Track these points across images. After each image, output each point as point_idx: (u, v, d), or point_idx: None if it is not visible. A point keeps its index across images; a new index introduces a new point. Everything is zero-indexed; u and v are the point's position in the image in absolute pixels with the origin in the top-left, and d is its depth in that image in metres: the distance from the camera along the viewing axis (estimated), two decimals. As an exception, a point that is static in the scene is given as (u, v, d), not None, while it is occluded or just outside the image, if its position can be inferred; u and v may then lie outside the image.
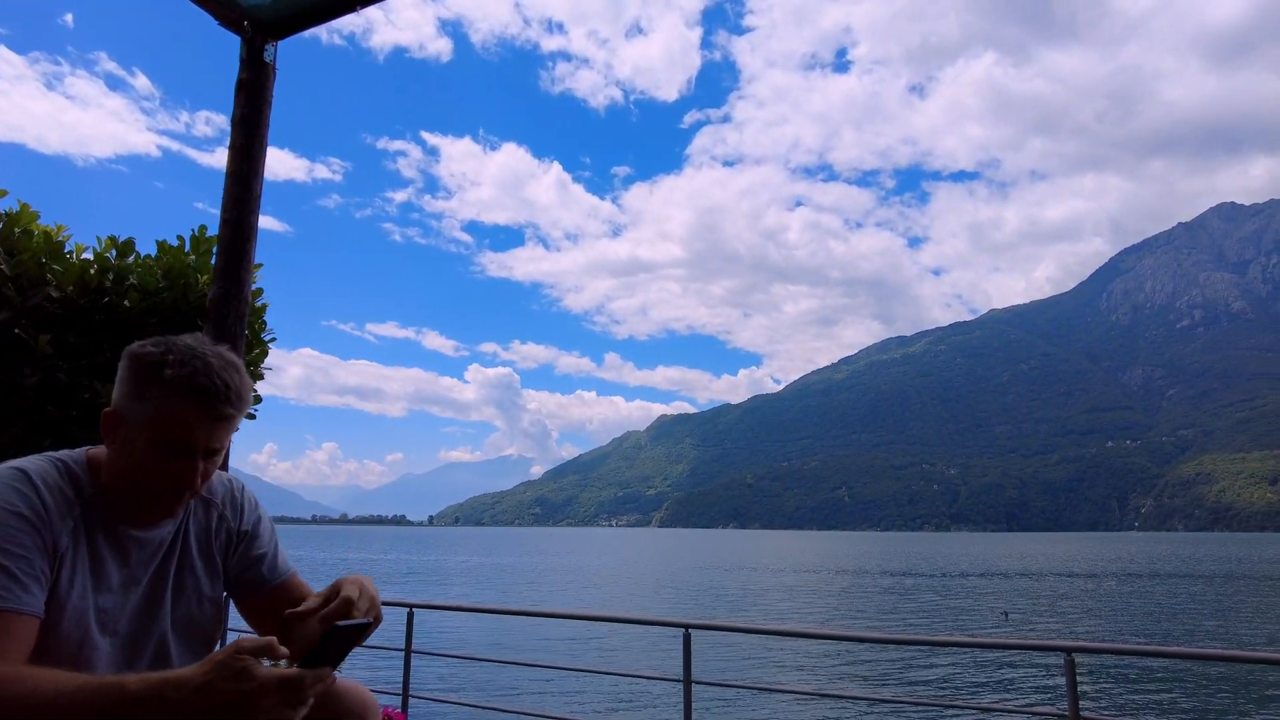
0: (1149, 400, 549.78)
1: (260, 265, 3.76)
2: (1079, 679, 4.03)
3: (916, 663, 22.82)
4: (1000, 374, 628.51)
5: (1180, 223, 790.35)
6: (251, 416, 5.05)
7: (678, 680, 5.40)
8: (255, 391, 4.80)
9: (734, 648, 24.65)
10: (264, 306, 4.55)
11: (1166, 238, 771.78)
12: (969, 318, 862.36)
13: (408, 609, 6.00)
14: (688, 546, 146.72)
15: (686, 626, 5.36)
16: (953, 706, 18.22)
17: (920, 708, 17.56)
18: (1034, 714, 11.92)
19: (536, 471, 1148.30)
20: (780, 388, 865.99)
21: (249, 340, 4.18)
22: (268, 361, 4.44)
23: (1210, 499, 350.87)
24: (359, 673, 20.21)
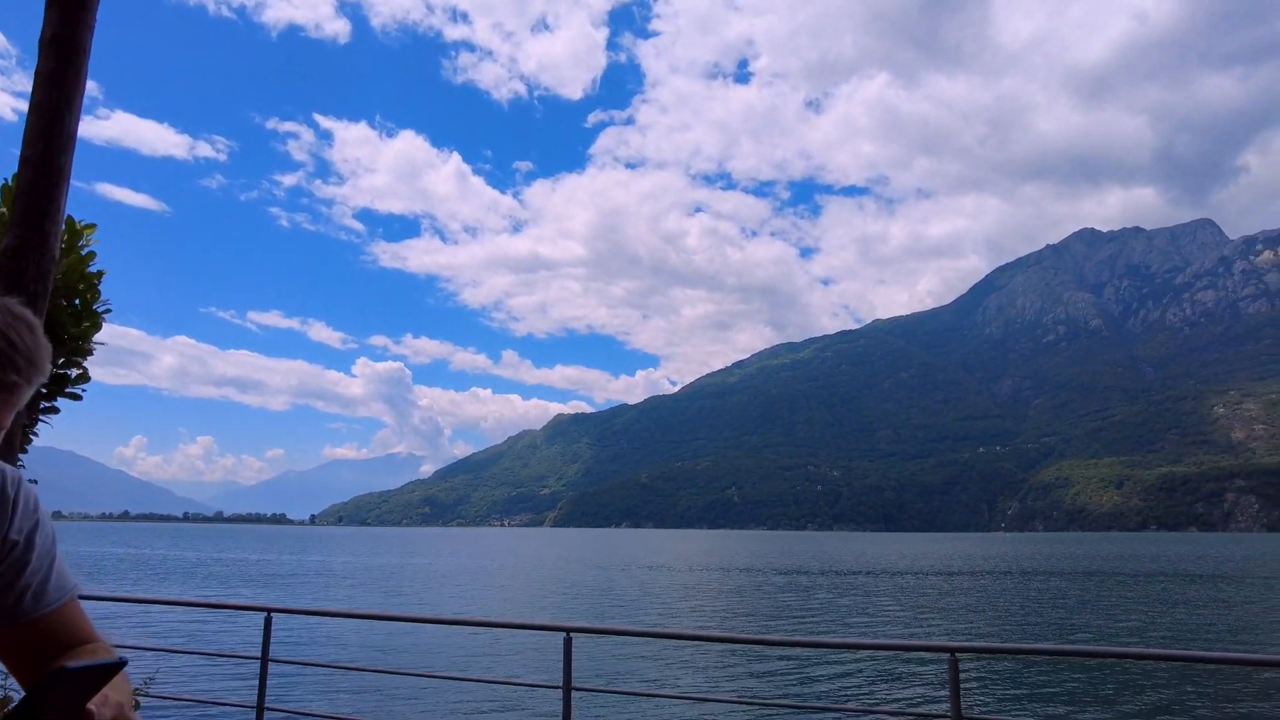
0: (1017, 409, 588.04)
1: (93, 227, 3.39)
2: (961, 678, 3.82)
3: (802, 665, 22.61)
4: (883, 381, 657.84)
5: (1048, 245, 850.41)
6: (76, 397, 4.59)
7: (557, 687, 5.16)
8: (83, 368, 4.38)
9: (617, 652, 23.82)
10: (99, 274, 4.12)
11: (1036, 258, 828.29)
12: (855, 327, 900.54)
13: (265, 613, 5.48)
14: (578, 546, 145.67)
15: (567, 631, 5.10)
16: (839, 709, 17.95)
17: (804, 711, 17.18)
18: (919, 715, 11.66)
19: (427, 470, 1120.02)
20: (676, 389, 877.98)
21: (78, 311, 3.78)
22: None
23: (1067, 502, 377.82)
24: (208, 684, 18.18)
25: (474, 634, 26.70)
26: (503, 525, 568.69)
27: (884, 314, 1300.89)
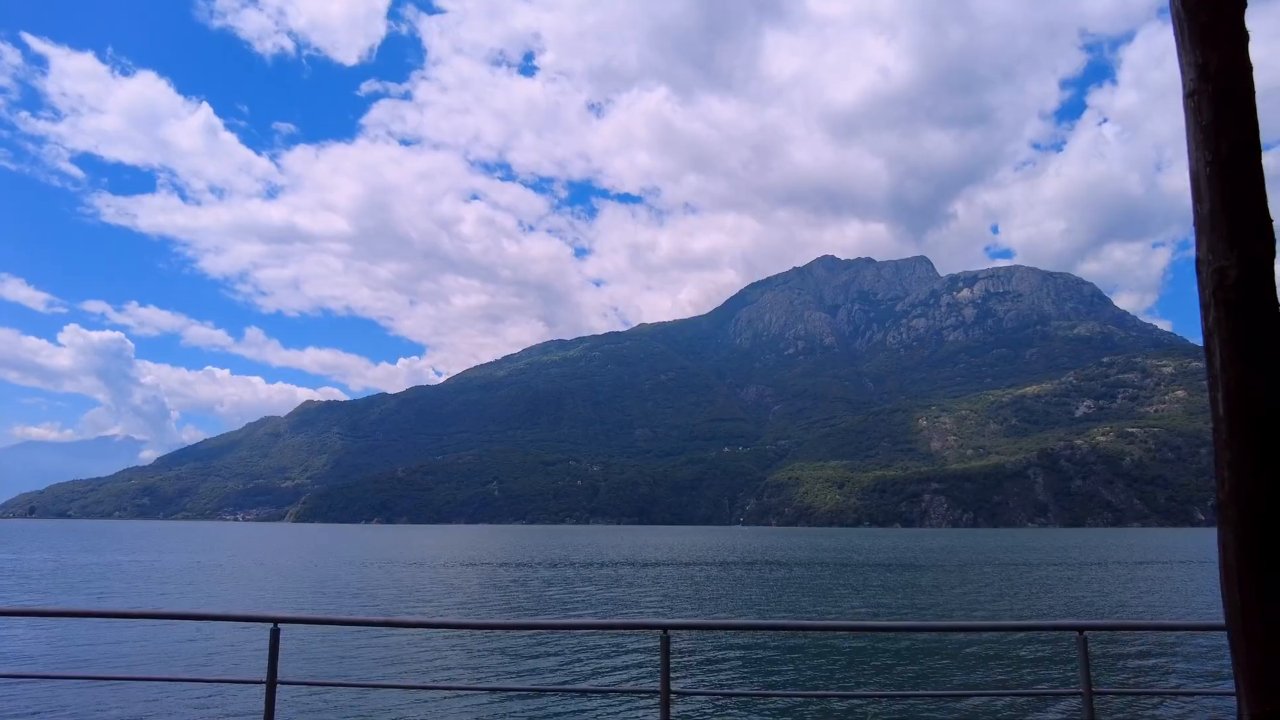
0: (759, 414, 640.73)
1: None
2: (672, 655, 4.06)
3: (528, 647, 23.22)
4: (644, 382, 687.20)
5: (795, 267, 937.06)
6: None
7: (260, 682, 5.01)
8: None
9: (328, 643, 23.00)
10: None
11: (783, 278, 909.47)
12: (622, 329, 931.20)
13: None
14: (307, 542, 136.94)
15: (275, 621, 4.96)
16: (558, 689, 18.75)
17: (525, 694, 17.75)
18: (631, 691, 12.69)
19: (148, 456, 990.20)
20: (442, 380, 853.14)
21: None
22: None
23: (797, 499, 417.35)
24: None
25: (174, 629, 24.51)
26: (236, 520, 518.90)
27: (649, 319, 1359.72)
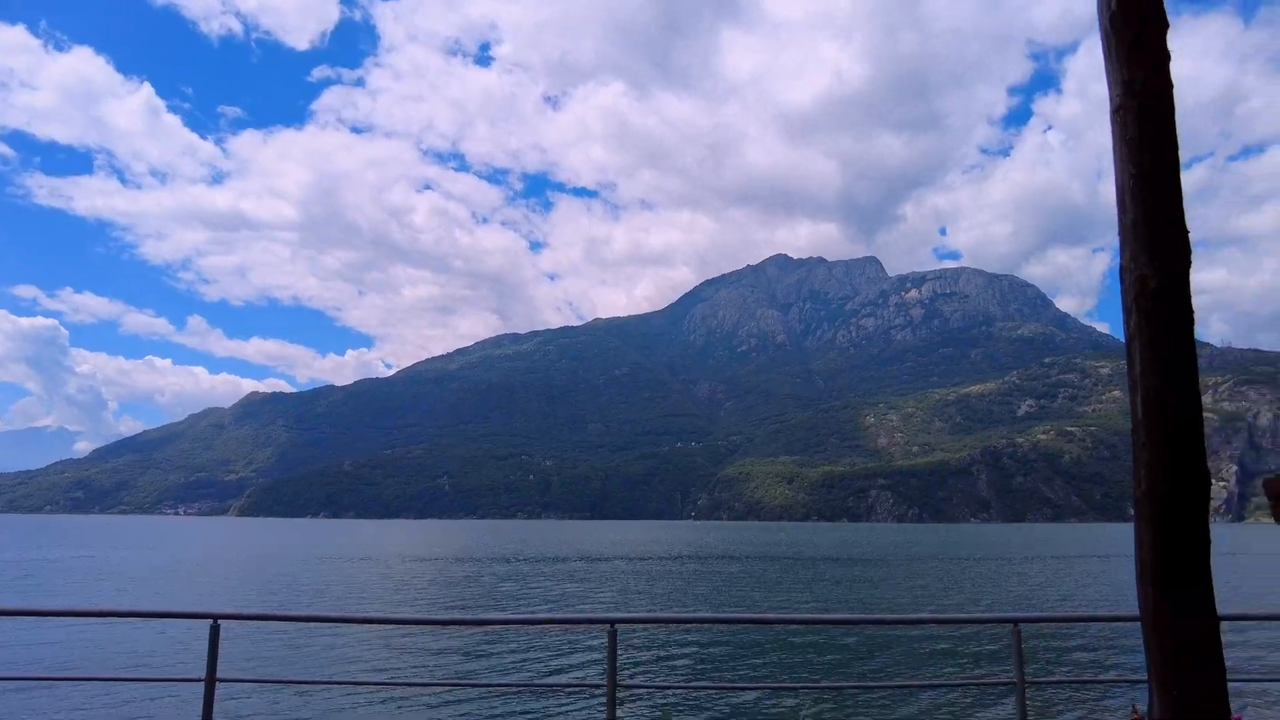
0: (711, 410, 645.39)
1: None
2: (620, 650, 4.05)
3: (470, 644, 23.10)
4: (598, 377, 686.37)
5: (748, 265, 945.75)
6: None
7: (199, 680, 4.89)
8: None
9: (271, 640, 22.60)
10: None
11: (737, 276, 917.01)
12: (577, 323, 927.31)
13: None
14: (251, 536, 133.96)
15: (215, 618, 4.85)
16: (504, 686, 18.71)
17: (471, 689, 17.66)
18: (579, 685, 12.69)
19: (83, 448, 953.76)
20: (391, 373, 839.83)
21: None
22: None
23: (747, 495, 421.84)
24: None
25: (108, 628, 23.81)
26: (178, 514, 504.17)
27: (604, 313, 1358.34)
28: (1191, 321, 2.51)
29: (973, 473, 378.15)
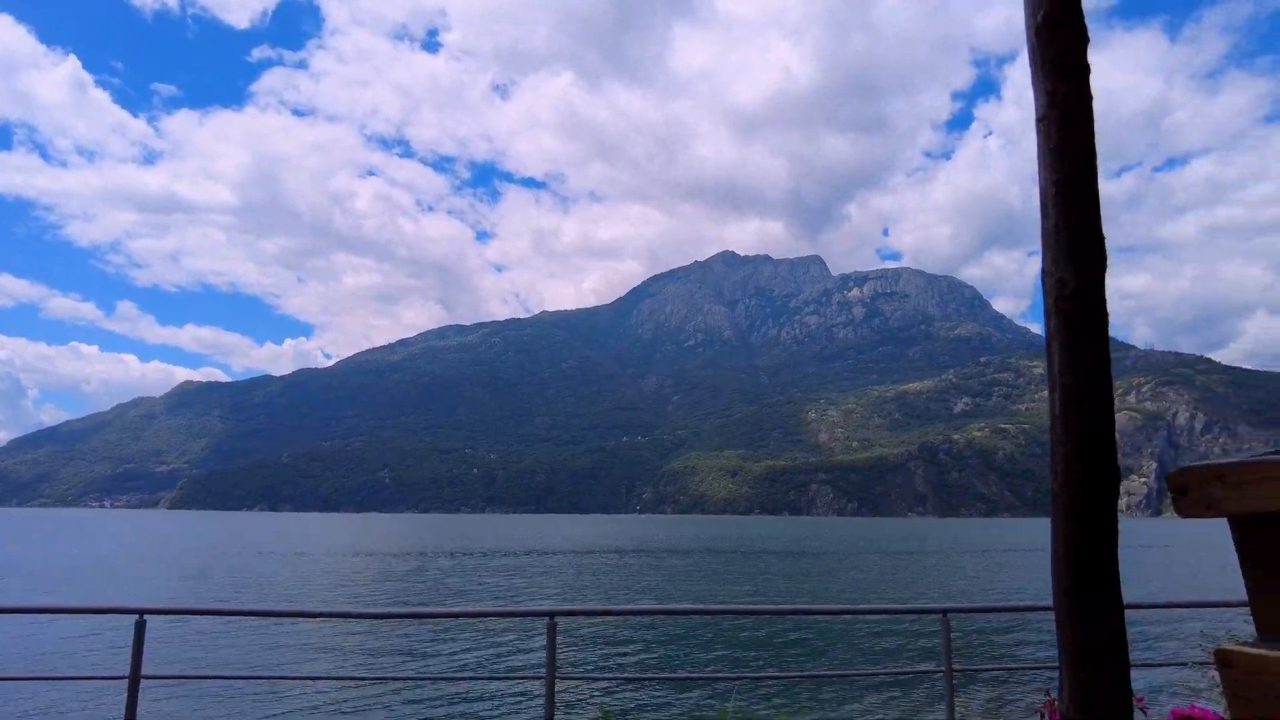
0: (659, 404, 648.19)
1: None
2: (560, 642, 4.14)
3: (407, 637, 22.89)
4: (545, 370, 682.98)
5: (696, 261, 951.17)
6: None
7: (123, 678, 4.75)
8: None
9: (200, 636, 22.02)
10: None
11: (685, 272, 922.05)
12: (524, 315, 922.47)
13: None
14: (181, 529, 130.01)
15: (140, 613, 4.73)
16: (445, 678, 18.59)
17: (408, 682, 17.50)
18: (520, 677, 12.69)
19: (0, 438, 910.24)
20: (331, 363, 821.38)
21: None
22: None
23: (693, 488, 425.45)
24: None
25: (31, 624, 22.87)
26: (103, 507, 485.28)
27: (551, 306, 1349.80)
28: (1106, 324, 2.61)
29: (910, 468, 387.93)
